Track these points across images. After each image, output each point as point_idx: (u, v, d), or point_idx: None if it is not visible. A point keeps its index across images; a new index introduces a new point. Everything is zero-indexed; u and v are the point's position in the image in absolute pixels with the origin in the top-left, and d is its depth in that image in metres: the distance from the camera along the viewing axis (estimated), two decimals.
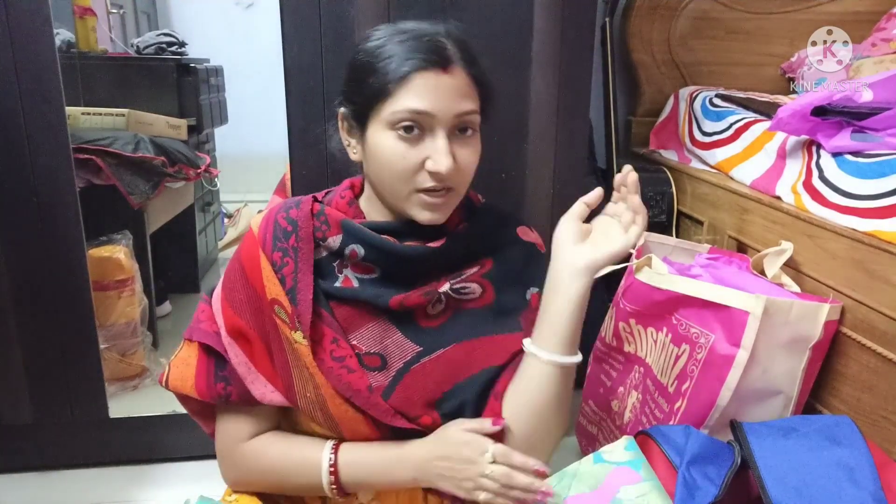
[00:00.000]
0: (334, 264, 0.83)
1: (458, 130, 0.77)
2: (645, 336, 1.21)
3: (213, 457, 1.46)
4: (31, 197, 1.28)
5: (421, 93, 0.74)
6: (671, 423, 1.10)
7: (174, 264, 2.27)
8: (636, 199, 0.81)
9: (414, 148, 0.76)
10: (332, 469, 0.80)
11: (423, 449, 0.79)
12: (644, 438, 0.96)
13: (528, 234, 0.92)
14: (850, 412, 1.06)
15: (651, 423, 1.16)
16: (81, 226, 1.33)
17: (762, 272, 1.22)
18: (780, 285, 1.17)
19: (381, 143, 0.77)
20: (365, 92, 0.77)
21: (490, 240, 0.89)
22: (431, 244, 0.82)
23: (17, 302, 1.33)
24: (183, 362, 0.85)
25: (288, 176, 1.40)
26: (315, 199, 0.87)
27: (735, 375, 1.03)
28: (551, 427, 0.82)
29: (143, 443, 1.49)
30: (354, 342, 0.81)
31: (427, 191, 0.77)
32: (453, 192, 0.79)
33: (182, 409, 1.47)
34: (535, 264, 0.90)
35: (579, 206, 0.82)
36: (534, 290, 0.88)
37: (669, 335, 1.14)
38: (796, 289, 1.17)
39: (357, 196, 0.88)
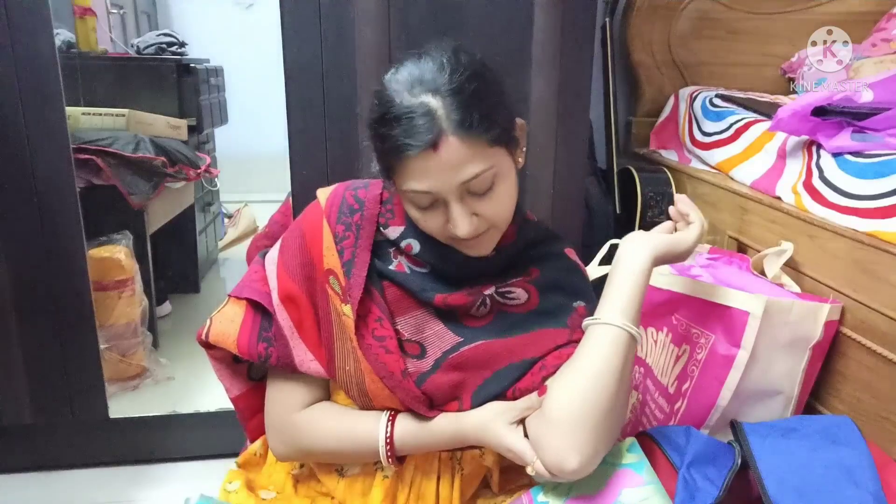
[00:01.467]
0: (390, 250, 0.85)
1: (473, 191, 0.75)
2: (645, 336, 1.21)
3: (213, 457, 1.48)
4: (31, 197, 1.28)
5: (418, 176, 0.73)
6: (671, 423, 1.10)
7: (174, 264, 2.27)
8: (682, 206, 0.91)
9: (434, 215, 0.77)
10: (388, 439, 0.81)
11: (472, 430, 0.79)
12: (644, 439, 0.96)
13: (574, 256, 0.93)
14: (850, 412, 1.06)
15: (651, 423, 1.16)
16: (81, 226, 1.33)
17: (762, 272, 1.22)
18: (781, 285, 1.17)
19: (405, 205, 0.79)
20: (380, 160, 0.78)
21: (538, 251, 0.89)
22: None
23: (17, 302, 1.33)
24: (227, 318, 0.87)
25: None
26: (385, 186, 0.88)
27: (735, 376, 1.03)
28: (604, 398, 0.74)
29: (143, 443, 1.49)
30: (398, 327, 0.83)
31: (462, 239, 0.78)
32: (493, 228, 0.79)
33: (182, 410, 1.50)
34: (581, 281, 0.91)
35: (671, 226, 0.94)
36: (580, 302, 0.88)
37: (670, 335, 1.14)
38: (796, 289, 1.17)
39: None
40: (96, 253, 1.63)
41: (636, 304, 0.80)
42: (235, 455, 0.98)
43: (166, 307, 2.18)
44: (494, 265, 0.85)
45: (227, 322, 0.86)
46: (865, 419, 1.02)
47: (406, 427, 0.81)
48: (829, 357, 1.10)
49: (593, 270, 1.33)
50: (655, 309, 1.17)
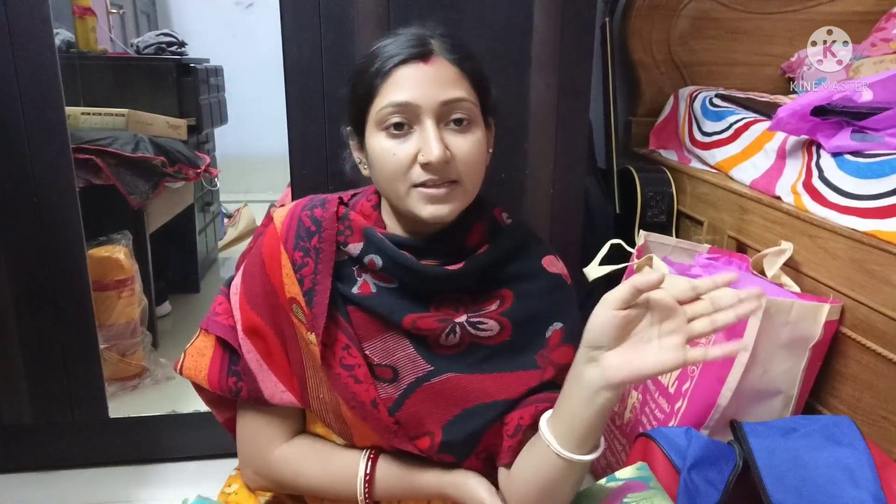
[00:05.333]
0: (354, 268, 0.82)
1: (451, 122, 0.75)
2: None
3: (213, 457, 1.48)
4: (31, 197, 1.28)
5: (402, 85, 0.73)
6: (671, 423, 1.10)
7: (174, 264, 2.27)
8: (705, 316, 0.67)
9: (404, 143, 0.74)
10: (367, 478, 0.81)
11: (451, 486, 0.80)
12: (645, 440, 0.96)
13: (553, 265, 0.88)
14: (850, 412, 1.06)
15: (651, 423, 1.16)
16: (81, 226, 1.32)
17: (762, 272, 1.22)
18: (780, 285, 1.17)
19: (375, 145, 0.76)
20: (357, 99, 0.77)
21: (512, 270, 0.85)
22: (450, 267, 0.80)
23: (17, 302, 1.33)
24: (199, 352, 0.85)
25: None
26: (341, 201, 0.85)
27: (735, 375, 1.03)
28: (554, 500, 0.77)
29: (143, 443, 1.49)
30: (367, 351, 0.80)
31: (425, 185, 0.75)
32: (458, 185, 0.76)
33: (182, 410, 1.50)
34: (559, 298, 0.86)
35: (627, 292, 0.64)
36: (556, 325, 0.83)
37: None
38: (796, 289, 1.17)
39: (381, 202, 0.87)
40: (96, 253, 1.63)
41: (589, 433, 0.69)
42: (235, 455, 0.98)
43: (166, 307, 2.18)
44: (462, 280, 0.81)
45: (198, 357, 0.85)
46: (865, 419, 1.02)
47: (387, 471, 0.81)
48: (828, 357, 1.10)
49: (593, 270, 1.33)
50: None
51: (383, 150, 0.75)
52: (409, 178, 0.75)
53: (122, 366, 1.69)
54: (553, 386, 0.81)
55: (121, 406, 1.50)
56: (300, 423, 0.86)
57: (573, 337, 0.82)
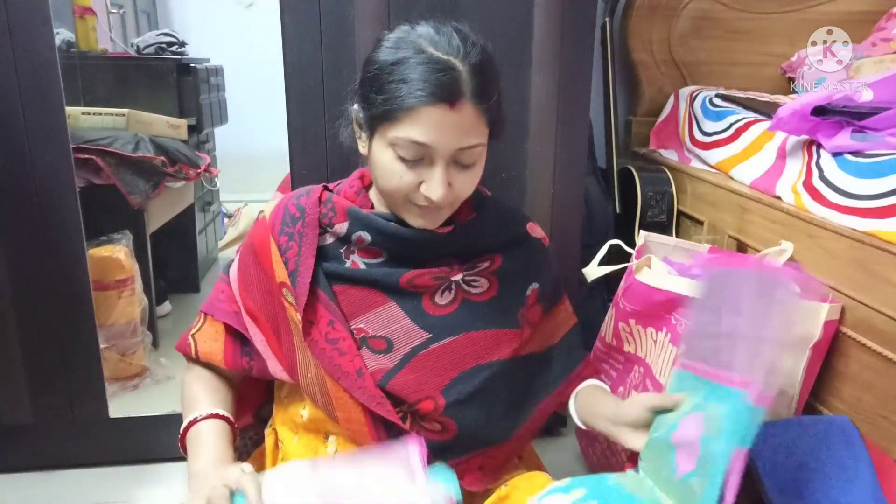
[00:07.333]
0: (341, 250, 0.86)
1: (459, 161, 0.78)
2: (645, 336, 1.21)
3: None
4: (31, 197, 1.28)
5: (424, 126, 0.73)
6: None
7: (174, 264, 2.27)
8: None
9: (412, 170, 0.77)
10: (189, 426, 0.83)
11: (201, 483, 0.75)
12: None
13: (535, 231, 0.96)
14: (850, 412, 1.06)
15: None
16: (81, 226, 1.33)
17: None
18: None
19: (381, 158, 0.78)
20: (373, 107, 0.77)
21: (499, 234, 0.92)
22: (439, 230, 0.84)
23: (17, 302, 1.33)
24: (211, 337, 0.91)
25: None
26: (325, 188, 0.90)
27: None
28: None
29: (143, 443, 1.49)
30: (361, 325, 0.84)
31: (420, 206, 0.79)
32: (449, 205, 0.82)
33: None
34: (539, 261, 0.94)
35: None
36: (534, 285, 0.93)
37: (669, 335, 1.14)
38: (796, 289, 1.17)
39: (366, 186, 0.90)
40: (96, 252, 1.63)
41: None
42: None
43: (166, 307, 2.18)
44: (451, 244, 0.86)
45: (212, 341, 0.90)
46: (865, 419, 1.02)
47: (193, 436, 0.82)
48: (829, 357, 1.10)
49: (592, 271, 1.33)
50: (655, 309, 1.17)
51: (390, 168, 0.77)
52: (407, 197, 0.79)
53: (123, 366, 1.69)
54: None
55: (121, 406, 1.50)
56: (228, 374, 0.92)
57: (544, 297, 0.95)
